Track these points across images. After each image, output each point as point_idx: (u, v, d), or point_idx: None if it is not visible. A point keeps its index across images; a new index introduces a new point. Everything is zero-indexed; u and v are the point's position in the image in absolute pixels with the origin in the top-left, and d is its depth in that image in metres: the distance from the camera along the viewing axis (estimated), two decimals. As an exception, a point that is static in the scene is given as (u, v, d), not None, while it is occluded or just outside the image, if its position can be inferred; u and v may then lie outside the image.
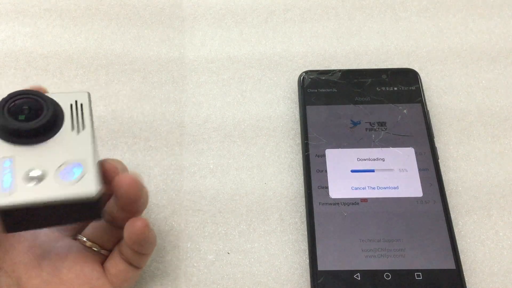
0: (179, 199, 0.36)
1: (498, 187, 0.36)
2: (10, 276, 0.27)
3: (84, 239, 0.30)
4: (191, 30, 0.45)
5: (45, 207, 0.25)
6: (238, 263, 0.34)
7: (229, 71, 0.42)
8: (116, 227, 0.31)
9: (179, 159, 0.38)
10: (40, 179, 0.26)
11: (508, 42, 0.43)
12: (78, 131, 0.27)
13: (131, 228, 0.28)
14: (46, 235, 0.29)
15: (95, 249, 0.30)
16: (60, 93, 0.28)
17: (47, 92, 0.29)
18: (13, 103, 0.27)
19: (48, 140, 0.27)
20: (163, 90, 0.41)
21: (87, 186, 0.26)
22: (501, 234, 0.35)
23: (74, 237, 0.31)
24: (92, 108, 0.30)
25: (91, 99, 0.29)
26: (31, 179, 0.25)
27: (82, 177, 0.26)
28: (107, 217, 0.30)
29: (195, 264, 0.34)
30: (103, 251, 0.31)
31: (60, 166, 0.26)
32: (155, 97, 0.41)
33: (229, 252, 0.34)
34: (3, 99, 0.27)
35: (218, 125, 0.40)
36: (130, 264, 0.30)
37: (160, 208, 0.36)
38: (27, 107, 0.27)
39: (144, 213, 0.36)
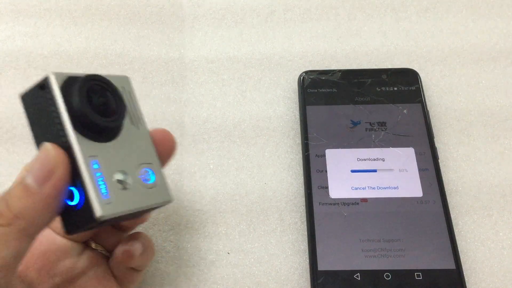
0: (179, 199, 0.36)
1: (498, 187, 0.36)
2: (23, 281, 0.27)
3: (91, 241, 0.30)
4: (191, 30, 0.45)
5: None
6: (238, 263, 0.34)
7: (229, 71, 0.42)
8: (118, 229, 0.31)
9: (179, 159, 0.38)
10: (125, 184, 0.24)
11: (508, 42, 0.43)
12: (138, 126, 0.26)
13: (118, 256, 0.29)
14: (59, 240, 0.29)
15: (101, 251, 0.30)
16: (107, 76, 0.25)
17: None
18: (89, 91, 0.24)
19: (118, 137, 0.25)
20: (163, 90, 0.41)
21: (165, 191, 0.26)
22: (501, 234, 0.35)
23: (83, 240, 0.30)
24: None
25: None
26: (118, 183, 0.24)
27: (157, 182, 0.26)
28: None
29: (195, 264, 0.34)
30: (108, 253, 0.30)
31: (137, 168, 0.25)
32: (155, 97, 0.41)
33: (229, 252, 0.34)
34: (81, 84, 0.23)
35: (218, 125, 0.40)
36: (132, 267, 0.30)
37: (160, 208, 0.36)
38: (102, 99, 0.24)
39: (144, 213, 0.36)
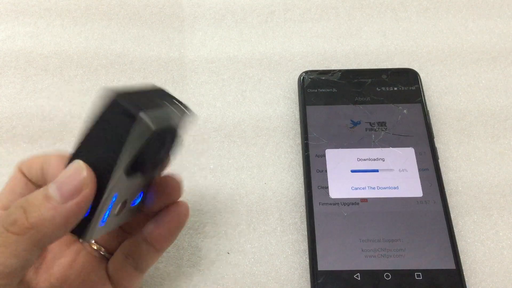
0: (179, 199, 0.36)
1: (498, 187, 0.36)
2: (21, 281, 0.27)
3: (92, 241, 0.30)
4: (191, 30, 0.45)
5: None
6: (238, 263, 0.34)
7: (229, 71, 0.42)
8: (124, 230, 0.30)
9: (179, 159, 0.38)
10: (120, 212, 0.25)
11: (508, 42, 0.43)
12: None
13: (177, 211, 0.28)
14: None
15: (101, 252, 0.30)
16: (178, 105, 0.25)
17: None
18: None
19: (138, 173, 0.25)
20: (163, 90, 0.41)
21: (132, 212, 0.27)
22: (501, 234, 0.35)
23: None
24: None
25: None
26: (117, 212, 0.25)
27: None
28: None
29: (195, 264, 0.34)
30: (107, 255, 0.30)
31: (135, 195, 0.26)
32: (155, 97, 0.41)
33: (229, 252, 0.34)
34: (167, 138, 0.24)
35: (218, 125, 0.40)
36: (136, 267, 0.29)
37: (160, 208, 0.36)
38: (164, 153, 0.25)
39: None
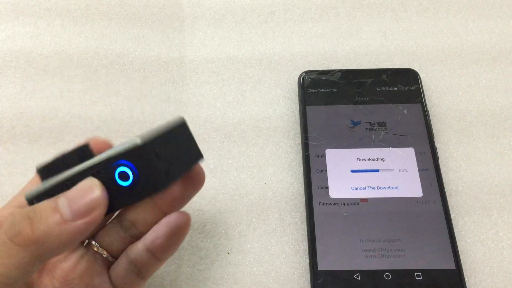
0: (179, 199, 0.36)
1: (498, 187, 0.36)
2: (25, 283, 0.26)
3: (93, 243, 0.30)
4: (191, 30, 0.45)
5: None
6: (238, 263, 0.34)
7: (229, 71, 0.42)
8: (130, 235, 0.30)
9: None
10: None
11: (508, 42, 0.43)
12: None
13: (176, 219, 0.27)
14: None
15: (103, 255, 0.30)
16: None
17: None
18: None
19: None
20: (163, 90, 0.41)
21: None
22: (501, 234, 0.35)
23: (86, 242, 0.30)
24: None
25: None
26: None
27: None
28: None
29: (195, 264, 0.34)
30: (111, 258, 0.30)
31: None
32: (155, 97, 0.41)
33: (229, 252, 0.34)
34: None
35: (218, 125, 0.40)
36: (138, 274, 0.29)
37: (160, 208, 0.36)
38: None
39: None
